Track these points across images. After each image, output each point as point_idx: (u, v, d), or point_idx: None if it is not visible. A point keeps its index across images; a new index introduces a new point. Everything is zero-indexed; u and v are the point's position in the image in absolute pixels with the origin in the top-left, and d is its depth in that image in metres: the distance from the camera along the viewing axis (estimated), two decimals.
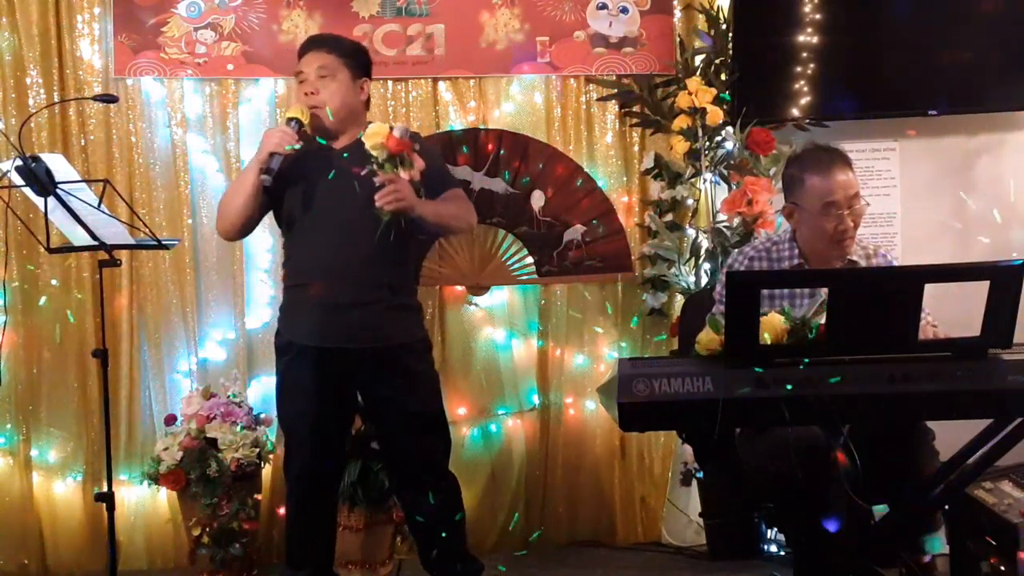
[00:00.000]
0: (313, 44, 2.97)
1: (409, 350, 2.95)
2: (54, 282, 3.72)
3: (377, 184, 2.70)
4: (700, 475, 3.73)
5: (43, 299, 3.73)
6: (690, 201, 3.88)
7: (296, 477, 2.99)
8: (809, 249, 2.78)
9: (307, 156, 2.90)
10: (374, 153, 2.67)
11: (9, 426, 3.71)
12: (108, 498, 3.05)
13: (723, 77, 3.84)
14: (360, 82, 2.95)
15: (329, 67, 2.89)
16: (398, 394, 2.92)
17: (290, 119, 2.85)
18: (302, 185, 2.88)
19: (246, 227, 2.97)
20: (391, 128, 2.67)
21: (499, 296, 3.94)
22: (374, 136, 2.67)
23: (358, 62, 2.97)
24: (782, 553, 3.65)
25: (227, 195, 3.00)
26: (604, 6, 3.91)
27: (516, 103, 3.93)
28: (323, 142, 2.93)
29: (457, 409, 3.87)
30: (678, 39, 3.92)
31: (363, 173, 2.74)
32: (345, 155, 2.90)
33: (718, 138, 3.82)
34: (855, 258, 2.80)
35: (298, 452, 2.97)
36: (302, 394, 2.90)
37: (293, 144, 2.79)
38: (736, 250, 3.08)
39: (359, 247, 2.82)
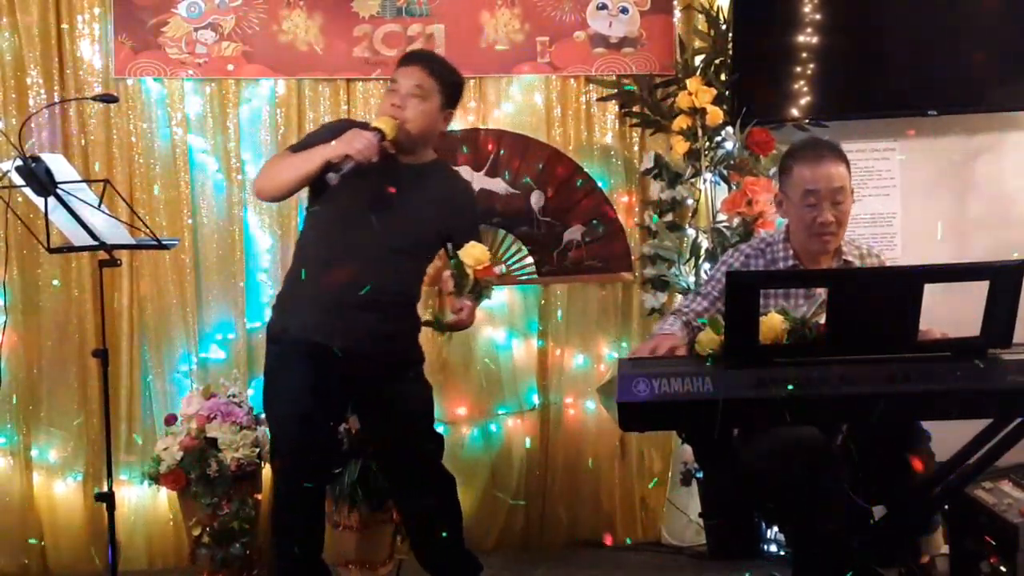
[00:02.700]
0: (418, 59, 2.93)
1: (408, 363, 2.97)
2: (54, 282, 3.72)
3: (463, 307, 2.77)
4: (700, 475, 3.73)
5: (43, 299, 3.73)
6: (690, 201, 3.88)
7: (283, 472, 2.96)
8: (799, 246, 2.79)
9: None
10: (467, 271, 2.72)
11: (9, 426, 3.71)
12: (108, 498, 3.05)
13: (723, 77, 3.84)
14: (446, 113, 2.93)
15: (426, 89, 2.85)
16: (393, 402, 2.93)
17: (376, 128, 2.79)
18: (355, 185, 2.81)
19: (283, 198, 2.99)
20: (491, 261, 2.74)
21: (499, 296, 3.93)
22: (476, 260, 2.71)
23: (453, 93, 2.94)
24: (782, 553, 3.64)
25: (282, 164, 2.87)
26: (604, 6, 3.91)
27: (516, 103, 3.93)
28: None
29: (457, 409, 3.87)
30: (678, 39, 3.92)
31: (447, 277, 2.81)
32: (408, 172, 2.89)
33: (718, 138, 3.82)
34: (850, 258, 2.80)
35: (287, 446, 2.93)
36: (296, 389, 2.86)
37: (372, 159, 2.73)
38: (732, 248, 3.07)
39: (382, 256, 2.80)
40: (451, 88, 2.92)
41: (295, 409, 2.85)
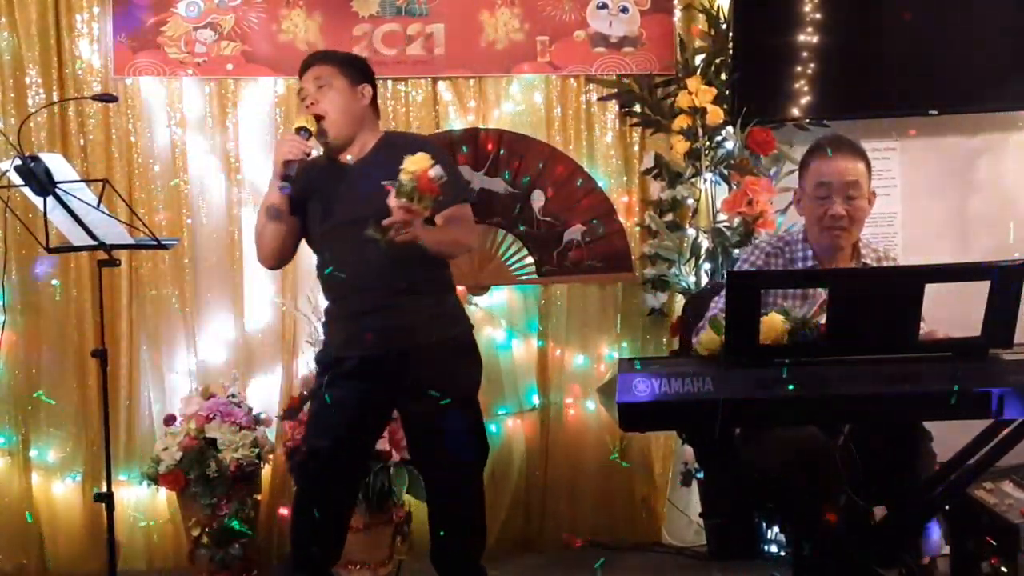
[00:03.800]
0: (307, 63, 2.94)
1: (438, 349, 2.87)
2: (54, 282, 3.72)
3: (392, 207, 2.60)
4: (700, 475, 3.72)
5: (42, 299, 3.73)
6: (690, 201, 3.87)
7: (312, 485, 2.94)
8: (815, 244, 2.77)
9: (318, 171, 2.88)
10: (404, 179, 2.59)
11: (8, 426, 3.71)
12: (107, 498, 3.05)
13: (723, 76, 3.84)
14: (360, 88, 2.90)
15: (325, 76, 2.86)
16: (426, 394, 2.85)
17: (299, 128, 2.80)
18: (317, 201, 2.85)
19: (282, 251, 2.91)
20: (431, 165, 2.60)
21: (499, 296, 3.94)
22: (415, 164, 2.60)
23: (355, 69, 2.93)
24: (782, 553, 3.64)
25: (258, 222, 2.91)
26: (604, 6, 3.91)
27: (516, 103, 3.93)
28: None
29: None
30: (678, 38, 3.92)
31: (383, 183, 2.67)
32: (349, 158, 2.87)
33: (718, 138, 3.82)
34: (868, 260, 2.79)
35: (317, 441, 2.90)
36: (334, 407, 2.86)
37: (305, 150, 2.75)
38: (751, 244, 3.05)
39: (377, 253, 2.79)
40: (351, 65, 2.92)
41: (331, 411, 2.86)
